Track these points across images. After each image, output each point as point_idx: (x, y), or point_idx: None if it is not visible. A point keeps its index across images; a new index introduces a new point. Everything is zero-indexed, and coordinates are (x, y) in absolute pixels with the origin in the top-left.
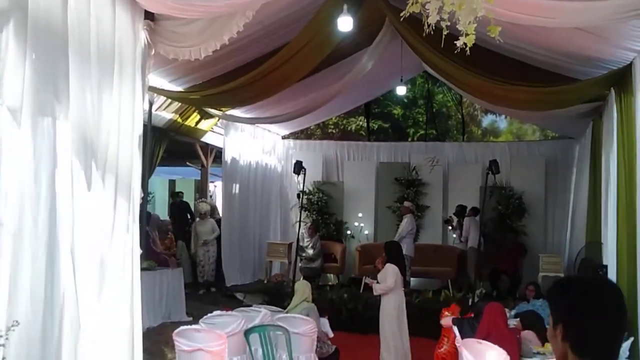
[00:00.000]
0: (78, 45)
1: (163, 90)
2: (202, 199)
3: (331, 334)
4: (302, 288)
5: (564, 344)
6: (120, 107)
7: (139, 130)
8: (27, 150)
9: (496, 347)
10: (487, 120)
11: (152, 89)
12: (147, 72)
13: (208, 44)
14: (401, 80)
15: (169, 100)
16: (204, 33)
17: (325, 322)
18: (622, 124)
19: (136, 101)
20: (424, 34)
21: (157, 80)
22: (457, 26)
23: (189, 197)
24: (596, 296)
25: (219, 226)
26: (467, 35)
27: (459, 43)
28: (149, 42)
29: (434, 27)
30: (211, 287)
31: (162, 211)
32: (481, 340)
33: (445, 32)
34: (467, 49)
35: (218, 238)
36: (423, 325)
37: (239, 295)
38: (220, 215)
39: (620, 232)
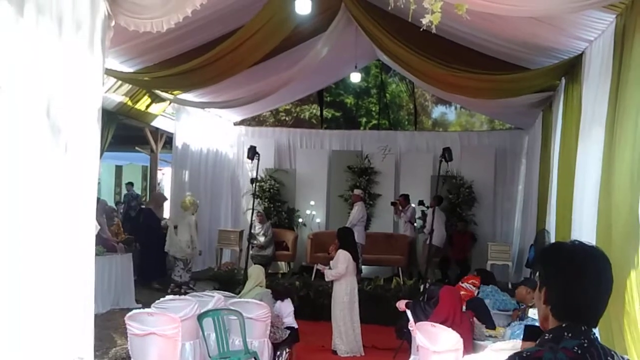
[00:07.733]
0: (35, 11)
1: (113, 70)
2: (188, 193)
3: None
4: (256, 273)
5: (545, 307)
6: (77, 80)
7: (98, 104)
8: None
9: (449, 330)
10: (437, 112)
11: None
12: (107, 44)
13: (170, 16)
14: (355, 67)
15: (119, 82)
16: (167, 5)
17: (288, 303)
18: (566, 113)
19: (95, 72)
20: (389, 8)
21: (108, 60)
22: (423, 3)
23: (135, 185)
24: (578, 263)
25: None
26: (432, 12)
27: (424, 21)
28: (109, 13)
29: (391, 6)
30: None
31: (107, 198)
32: (435, 324)
33: (412, 7)
34: (433, 26)
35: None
36: (374, 312)
37: (189, 283)
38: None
39: (559, 220)
